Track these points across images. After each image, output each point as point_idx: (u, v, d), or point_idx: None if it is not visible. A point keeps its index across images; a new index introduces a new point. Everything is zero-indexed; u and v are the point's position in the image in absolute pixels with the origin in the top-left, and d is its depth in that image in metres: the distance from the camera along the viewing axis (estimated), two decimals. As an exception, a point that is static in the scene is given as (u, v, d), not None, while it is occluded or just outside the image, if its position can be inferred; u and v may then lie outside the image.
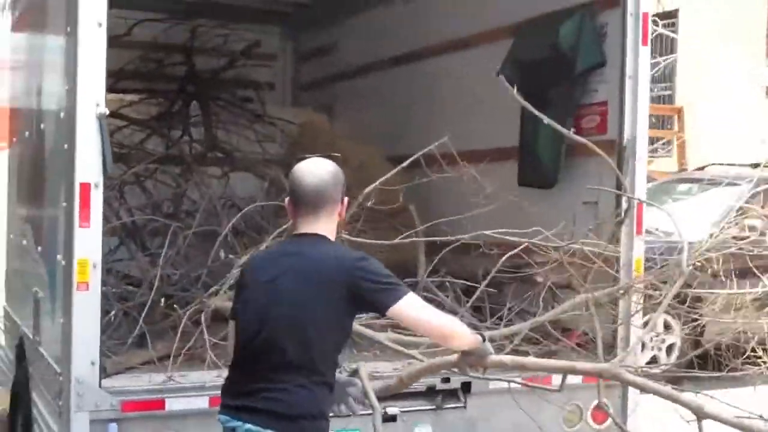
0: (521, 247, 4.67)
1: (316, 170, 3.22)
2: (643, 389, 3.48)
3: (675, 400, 3.28)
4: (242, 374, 3.15)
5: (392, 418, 4.31)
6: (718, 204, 9.03)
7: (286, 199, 3.26)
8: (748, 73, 16.48)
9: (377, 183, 4.80)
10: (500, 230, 4.69)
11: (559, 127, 4.76)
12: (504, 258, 4.75)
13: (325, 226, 3.19)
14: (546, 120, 4.66)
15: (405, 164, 5.00)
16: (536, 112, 4.61)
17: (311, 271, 3.09)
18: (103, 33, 3.86)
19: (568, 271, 4.75)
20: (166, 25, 7.52)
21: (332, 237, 3.21)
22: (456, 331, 3.18)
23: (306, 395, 3.02)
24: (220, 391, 4.00)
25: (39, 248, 5.02)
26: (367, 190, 4.73)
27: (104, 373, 3.93)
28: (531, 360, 3.27)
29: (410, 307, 3.06)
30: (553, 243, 4.70)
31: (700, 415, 3.04)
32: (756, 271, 4.82)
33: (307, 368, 3.03)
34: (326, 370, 3.09)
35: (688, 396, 3.21)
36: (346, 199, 3.26)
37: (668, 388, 3.28)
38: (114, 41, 4.11)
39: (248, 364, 3.11)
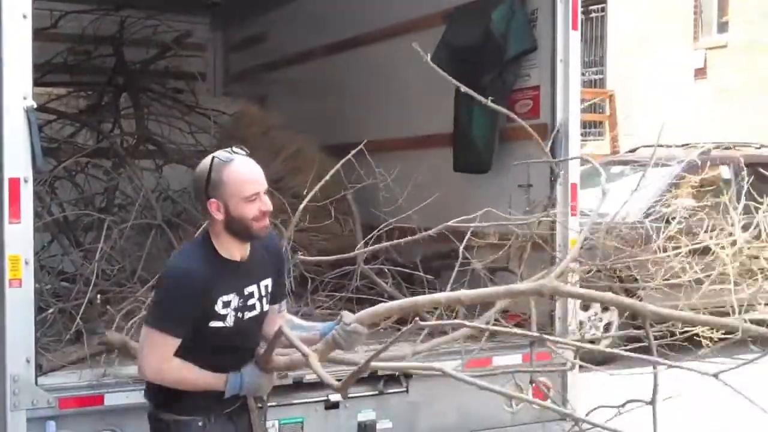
0: (439, 228, 4.68)
1: (194, 172, 3.31)
2: (583, 298, 3.53)
3: (618, 305, 3.32)
4: None
5: (335, 405, 4.32)
6: (649, 185, 9.18)
7: None
8: (677, 55, 16.78)
9: (322, 181, 4.82)
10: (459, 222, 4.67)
11: (499, 108, 4.79)
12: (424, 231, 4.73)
13: (209, 225, 3.25)
14: (486, 102, 4.68)
15: (346, 158, 4.99)
16: (477, 96, 4.63)
17: None
18: (29, 25, 3.78)
19: (503, 254, 4.80)
20: (94, 17, 7.40)
21: (216, 237, 3.21)
22: (141, 365, 3.23)
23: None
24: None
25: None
26: (316, 188, 4.73)
27: (40, 370, 3.86)
28: (463, 293, 3.20)
29: (143, 333, 3.22)
30: (490, 225, 4.74)
31: (648, 315, 3.03)
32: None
33: None
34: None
35: (629, 301, 3.24)
36: (213, 201, 3.17)
37: (608, 294, 3.30)
38: (40, 34, 4.03)
39: None
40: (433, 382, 4.33)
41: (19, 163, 3.73)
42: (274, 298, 3.42)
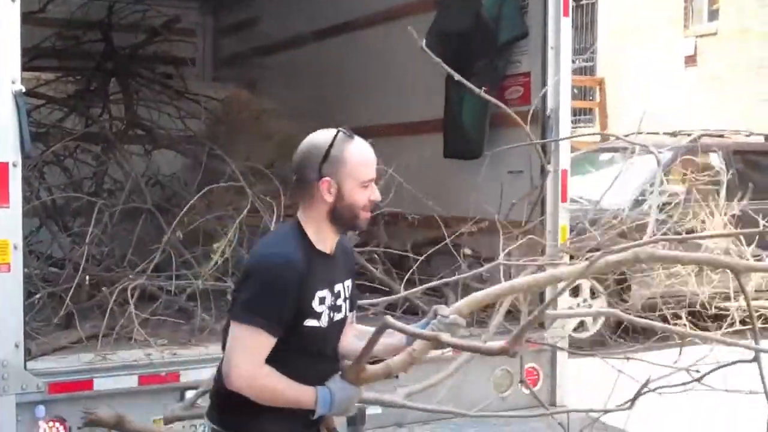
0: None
1: (300, 146, 2.82)
2: (681, 261, 3.38)
3: (715, 264, 3.24)
4: None
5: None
6: (639, 172, 9.21)
7: None
8: (668, 43, 16.78)
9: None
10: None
11: (488, 97, 4.78)
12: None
13: (304, 210, 2.81)
14: (479, 92, 4.63)
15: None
16: (468, 84, 4.60)
17: None
18: (17, 9, 3.76)
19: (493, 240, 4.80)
20: (83, 1, 7.35)
21: (312, 224, 2.79)
22: (230, 371, 2.67)
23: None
24: (148, 370, 4.01)
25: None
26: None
27: (29, 355, 3.86)
28: (559, 270, 2.99)
29: (233, 332, 2.70)
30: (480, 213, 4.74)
31: (741, 270, 2.98)
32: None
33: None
34: None
35: (725, 259, 3.19)
36: (326, 179, 2.73)
37: (704, 254, 3.22)
38: (28, 18, 4.00)
39: None
40: (422, 368, 4.32)
41: (8, 148, 3.72)
42: (352, 303, 2.99)
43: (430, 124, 5.97)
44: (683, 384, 3.59)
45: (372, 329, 2.78)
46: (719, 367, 3.33)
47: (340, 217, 2.79)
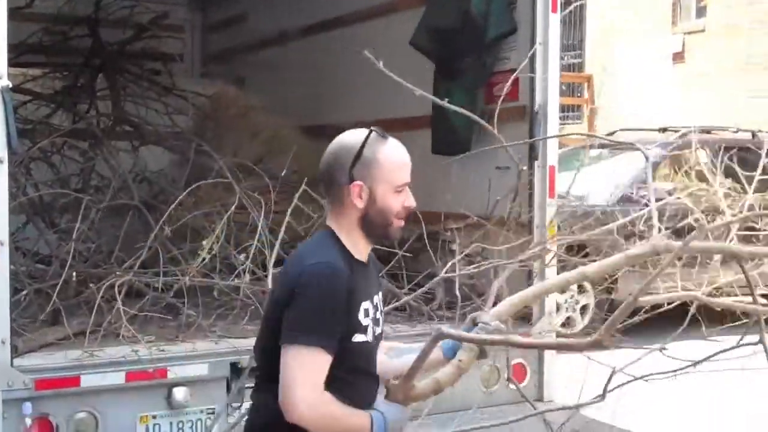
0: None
1: (329, 146, 2.63)
2: (703, 250, 3.32)
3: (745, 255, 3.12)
4: None
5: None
6: (626, 169, 9.24)
7: None
8: (656, 40, 16.82)
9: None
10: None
11: (463, 111, 4.66)
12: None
13: (334, 217, 2.60)
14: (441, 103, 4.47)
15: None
16: (438, 100, 4.36)
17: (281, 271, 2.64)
18: (4, 4, 3.74)
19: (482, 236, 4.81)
20: (70, -3, 7.33)
21: (344, 232, 2.58)
22: (289, 401, 2.41)
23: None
24: (135, 366, 3.99)
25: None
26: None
27: (16, 352, 3.84)
28: (588, 267, 2.79)
29: (287, 356, 2.43)
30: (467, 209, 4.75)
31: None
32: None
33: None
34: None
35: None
36: (357, 183, 2.54)
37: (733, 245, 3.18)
38: (15, 13, 3.98)
39: None
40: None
41: (-6, 144, 3.70)
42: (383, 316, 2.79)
43: (419, 120, 5.97)
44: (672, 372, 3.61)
45: (403, 345, 2.68)
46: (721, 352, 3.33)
47: (372, 224, 2.58)
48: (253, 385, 2.71)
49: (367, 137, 2.56)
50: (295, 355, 2.41)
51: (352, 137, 2.60)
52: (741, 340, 3.41)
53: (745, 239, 4.48)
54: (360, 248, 2.61)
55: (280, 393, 2.42)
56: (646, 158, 3.92)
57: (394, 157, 2.60)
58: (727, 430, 6.55)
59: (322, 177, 2.60)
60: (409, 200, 2.63)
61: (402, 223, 2.64)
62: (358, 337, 2.53)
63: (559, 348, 2.33)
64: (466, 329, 2.65)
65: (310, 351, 2.41)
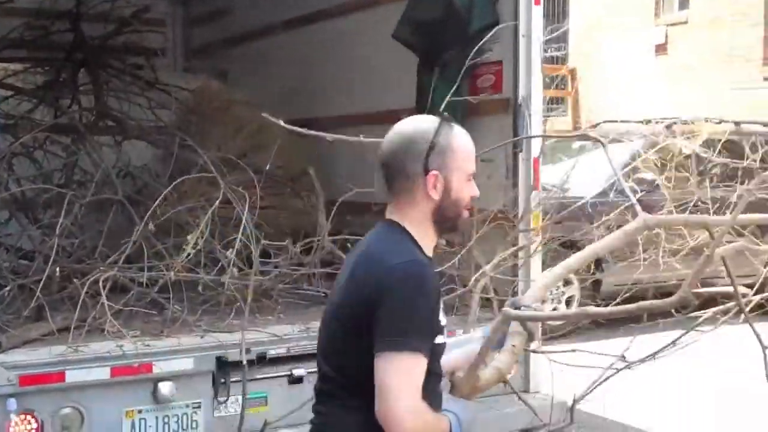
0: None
1: (392, 132, 2.51)
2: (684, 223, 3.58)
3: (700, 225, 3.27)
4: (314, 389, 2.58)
5: (299, 380, 4.32)
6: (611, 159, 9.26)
7: None
8: (639, 32, 16.86)
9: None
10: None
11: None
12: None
13: (402, 209, 2.46)
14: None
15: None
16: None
17: (347, 273, 2.47)
18: (-16, -2, 3.72)
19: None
20: (51, -9, 7.28)
21: (414, 226, 2.45)
22: (392, 412, 2.26)
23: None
24: (120, 361, 3.98)
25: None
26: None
27: (0, 347, 3.83)
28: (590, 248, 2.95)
29: (387, 362, 2.28)
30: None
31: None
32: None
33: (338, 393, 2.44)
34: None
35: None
36: (433, 173, 2.42)
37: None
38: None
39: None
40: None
41: (-24, 139, 3.68)
42: None
43: (404, 113, 5.96)
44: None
45: (449, 339, 2.55)
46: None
47: (444, 216, 2.46)
48: (318, 397, 2.52)
49: (440, 125, 2.46)
50: (395, 362, 2.26)
51: (419, 125, 2.49)
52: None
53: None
54: (428, 242, 2.49)
55: (379, 403, 2.27)
56: (602, 144, 3.97)
57: (466, 144, 2.51)
58: (699, 405, 6.82)
59: (387, 168, 2.47)
60: (475, 190, 2.53)
61: (468, 214, 2.54)
62: (439, 339, 2.43)
63: (640, 311, 2.33)
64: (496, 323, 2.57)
65: (411, 356, 2.27)
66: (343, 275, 2.51)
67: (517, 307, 2.58)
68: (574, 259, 3.04)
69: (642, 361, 3.76)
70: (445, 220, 2.47)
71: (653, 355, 3.83)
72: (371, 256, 2.43)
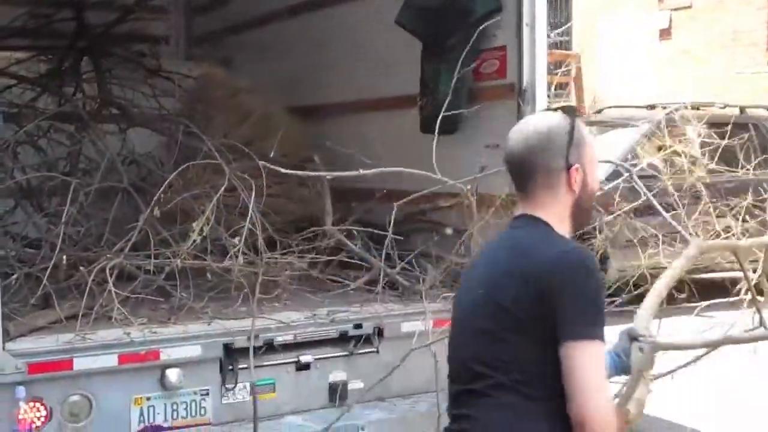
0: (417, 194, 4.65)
1: (523, 129, 2.50)
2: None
3: None
4: (449, 395, 2.52)
5: (306, 366, 4.34)
6: (616, 145, 9.25)
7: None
8: (642, 16, 16.81)
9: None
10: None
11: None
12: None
13: (543, 205, 2.45)
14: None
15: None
16: None
17: (502, 269, 2.42)
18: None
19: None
20: (54, -21, 7.26)
21: (557, 222, 2.45)
22: (592, 404, 2.21)
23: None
24: (128, 349, 4.00)
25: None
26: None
27: (8, 336, 3.84)
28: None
29: (585, 355, 2.22)
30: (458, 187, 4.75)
31: None
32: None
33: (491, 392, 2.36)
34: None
35: None
36: (576, 166, 2.44)
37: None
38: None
39: (452, 385, 2.52)
40: (404, 342, 4.34)
41: (-19, 128, 3.69)
42: None
43: (407, 99, 5.96)
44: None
45: None
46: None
47: (581, 209, 2.48)
48: (466, 398, 2.42)
49: (574, 119, 2.47)
50: (588, 352, 2.21)
51: (552, 120, 2.48)
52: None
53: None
54: (566, 236, 2.49)
55: (577, 398, 2.21)
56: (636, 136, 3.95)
57: (591, 136, 2.53)
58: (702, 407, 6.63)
59: (523, 166, 2.47)
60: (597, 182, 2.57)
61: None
62: None
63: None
64: (624, 345, 2.54)
65: (599, 346, 2.24)
66: (489, 272, 2.45)
67: (634, 337, 2.53)
68: (663, 285, 2.99)
69: (661, 375, 3.70)
70: (582, 212, 2.49)
71: (671, 373, 3.81)
72: (530, 249, 2.40)
